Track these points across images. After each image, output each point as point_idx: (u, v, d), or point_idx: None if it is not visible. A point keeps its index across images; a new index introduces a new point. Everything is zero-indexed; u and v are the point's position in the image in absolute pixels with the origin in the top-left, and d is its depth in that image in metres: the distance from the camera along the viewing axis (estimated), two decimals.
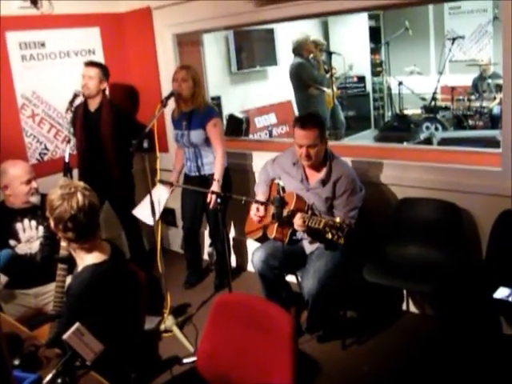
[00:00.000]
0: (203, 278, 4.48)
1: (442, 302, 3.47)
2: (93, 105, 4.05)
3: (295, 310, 3.41)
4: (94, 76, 3.95)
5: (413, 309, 3.67)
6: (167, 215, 4.74)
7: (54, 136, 4.42)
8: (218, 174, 3.83)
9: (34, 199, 3.10)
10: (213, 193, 3.54)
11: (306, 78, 5.77)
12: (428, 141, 5.46)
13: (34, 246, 3.12)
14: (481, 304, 3.12)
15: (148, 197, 3.56)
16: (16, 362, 1.98)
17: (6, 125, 4.06)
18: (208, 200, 3.75)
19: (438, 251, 3.22)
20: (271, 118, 6.89)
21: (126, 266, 2.32)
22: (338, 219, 2.82)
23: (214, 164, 3.89)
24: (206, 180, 3.91)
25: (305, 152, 3.14)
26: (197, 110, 3.89)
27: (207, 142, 3.91)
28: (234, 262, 4.62)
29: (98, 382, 1.86)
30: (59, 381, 1.66)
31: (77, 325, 1.58)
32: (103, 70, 4.03)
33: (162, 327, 3.61)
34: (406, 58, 7.49)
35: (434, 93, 6.42)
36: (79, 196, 2.05)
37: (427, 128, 6.15)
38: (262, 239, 3.45)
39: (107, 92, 4.15)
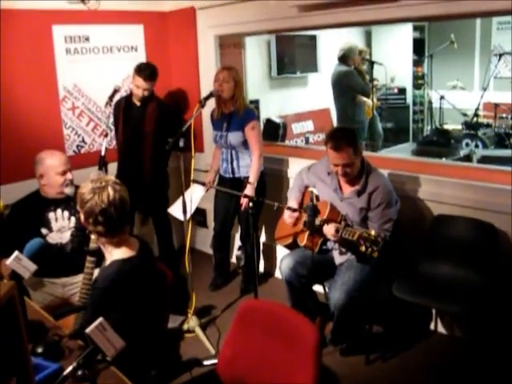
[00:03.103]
0: (230, 280, 4.46)
1: (472, 325, 3.37)
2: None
3: (320, 320, 3.36)
4: (149, 88, 3.99)
5: (441, 329, 3.57)
6: (198, 215, 4.74)
7: (92, 129, 4.47)
8: (252, 177, 3.82)
9: (68, 190, 3.13)
10: (245, 196, 3.53)
11: (354, 86, 5.69)
12: (467, 158, 5.32)
13: (65, 236, 3.16)
14: None
15: (184, 195, 3.57)
16: (39, 350, 2.00)
17: (46, 115, 4.14)
18: (241, 202, 3.75)
19: (471, 272, 3.12)
20: (308, 125, 6.83)
21: (154, 264, 2.31)
22: (373, 232, 2.76)
23: (251, 167, 3.88)
24: (240, 182, 3.91)
25: (341, 171, 3.10)
26: (237, 111, 3.88)
27: (245, 144, 3.90)
28: (262, 267, 4.59)
29: (118, 377, 1.86)
30: (79, 373, 1.66)
31: (100, 319, 1.57)
32: (156, 77, 4.04)
33: (185, 327, 3.61)
34: (449, 72, 7.32)
35: (477, 109, 6.27)
36: (110, 190, 2.06)
37: (467, 145, 6.01)
38: (292, 246, 3.41)
39: None
